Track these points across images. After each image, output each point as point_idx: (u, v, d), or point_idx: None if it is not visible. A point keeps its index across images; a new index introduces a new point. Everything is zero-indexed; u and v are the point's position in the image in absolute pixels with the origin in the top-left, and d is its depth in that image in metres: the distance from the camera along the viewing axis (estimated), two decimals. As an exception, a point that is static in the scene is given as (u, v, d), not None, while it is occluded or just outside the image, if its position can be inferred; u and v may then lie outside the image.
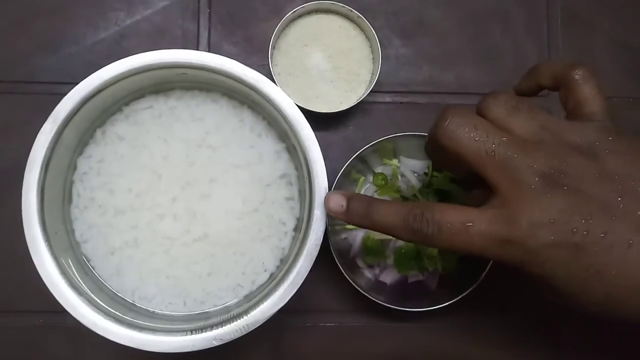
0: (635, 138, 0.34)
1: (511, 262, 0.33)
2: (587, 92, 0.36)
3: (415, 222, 0.34)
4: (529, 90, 0.41)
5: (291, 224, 0.47)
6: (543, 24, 0.60)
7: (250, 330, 0.41)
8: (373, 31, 0.54)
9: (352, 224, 0.40)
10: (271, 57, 0.54)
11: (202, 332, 0.41)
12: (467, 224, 0.33)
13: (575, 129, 0.34)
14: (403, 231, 0.35)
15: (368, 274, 0.55)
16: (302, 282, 0.41)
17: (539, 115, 0.34)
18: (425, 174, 0.55)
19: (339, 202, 0.39)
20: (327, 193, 0.41)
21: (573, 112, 0.36)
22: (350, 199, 0.39)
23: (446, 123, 0.34)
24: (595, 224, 0.31)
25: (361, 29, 0.56)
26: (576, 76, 0.36)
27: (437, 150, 0.36)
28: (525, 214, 0.32)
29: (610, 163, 0.33)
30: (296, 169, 0.48)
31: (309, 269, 0.41)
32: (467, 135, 0.34)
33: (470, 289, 0.50)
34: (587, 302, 0.32)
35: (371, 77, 0.55)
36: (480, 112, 0.36)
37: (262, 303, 0.41)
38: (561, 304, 0.34)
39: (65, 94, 0.42)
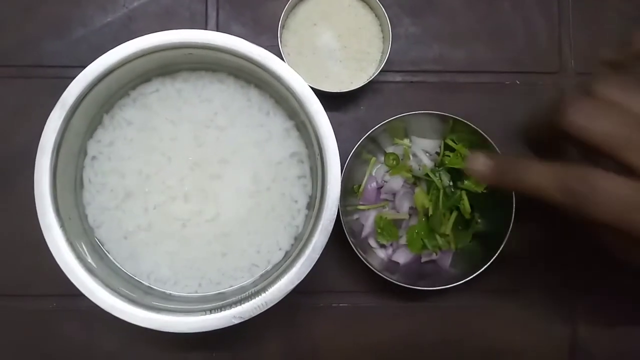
0: None
1: None
2: None
3: (578, 184, 0.33)
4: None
5: (304, 201, 0.47)
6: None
7: (269, 307, 0.41)
8: (383, 9, 0.53)
9: (496, 184, 0.38)
10: (280, 37, 0.53)
11: (220, 310, 0.41)
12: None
13: None
14: (557, 192, 0.34)
15: (381, 254, 0.55)
16: (318, 257, 0.41)
17: None
18: (437, 153, 0.54)
19: (484, 161, 0.38)
20: (470, 154, 0.39)
21: None
22: (496, 158, 0.38)
23: (575, 112, 0.33)
24: None
25: (370, 7, 0.55)
26: None
27: (552, 138, 0.37)
28: None
29: None
30: (307, 146, 0.48)
31: (324, 244, 0.41)
32: (601, 123, 0.33)
33: (484, 267, 0.50)
34: None
35: (381, 56, 0.55)
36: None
37: (280, 279, 0.41)
38: None
39: (74, 77, 0.42)
